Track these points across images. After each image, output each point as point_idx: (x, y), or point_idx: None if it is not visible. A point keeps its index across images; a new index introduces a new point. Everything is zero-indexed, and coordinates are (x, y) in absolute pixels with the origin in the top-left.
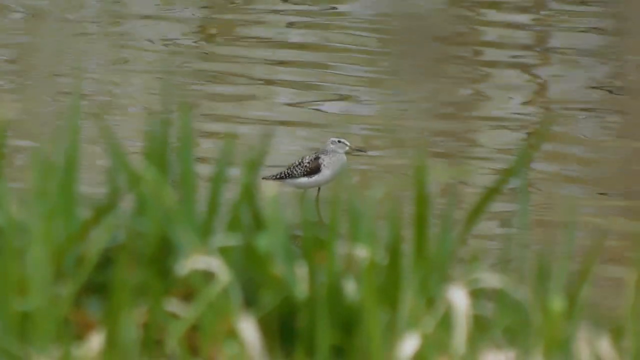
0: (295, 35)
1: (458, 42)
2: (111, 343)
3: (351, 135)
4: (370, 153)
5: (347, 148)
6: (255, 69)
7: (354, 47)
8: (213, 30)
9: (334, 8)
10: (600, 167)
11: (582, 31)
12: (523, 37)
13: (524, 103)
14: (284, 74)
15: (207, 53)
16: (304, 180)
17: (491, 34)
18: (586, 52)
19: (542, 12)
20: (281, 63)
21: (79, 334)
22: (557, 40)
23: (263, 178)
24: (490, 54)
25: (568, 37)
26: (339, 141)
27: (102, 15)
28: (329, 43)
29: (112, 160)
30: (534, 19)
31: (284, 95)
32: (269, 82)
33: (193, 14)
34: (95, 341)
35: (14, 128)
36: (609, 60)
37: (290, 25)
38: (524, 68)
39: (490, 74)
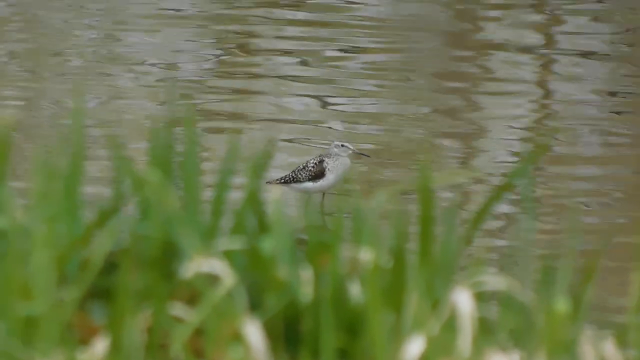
0: (304, 34)
1: (463, 44)
2: (115, 347)
3: (357, 136)
4: (375, 159)
5: (350, 152)
6: (262, 68)
7: (360, 48)
8: (220, 38)
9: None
10: (609, 170)
11: (590, 33)
12: (531, 38)
13: (531, 105)
14: (291, 70)
15: (215, 58)
16: (308, 184)
17: (498, 34)
18: (594, 55)
19: (549, 11)
20: (288, 63)
21: (83, 339)
22: (565, 41)
23: (267, 182)
24: (497, 56)
25: (576, 38)
26: (342, 145)
27: (106, 20)
28: (340, 44)
29: (116, 164)
30: (543, 20)
31: (291, 95)
32: (278, 80)
33: (200, 26)
34: (100, 346)
35: (18, 132)
36: (618, 62)
37: (301, 24)
38: (533, 69)
39: (496, 77)
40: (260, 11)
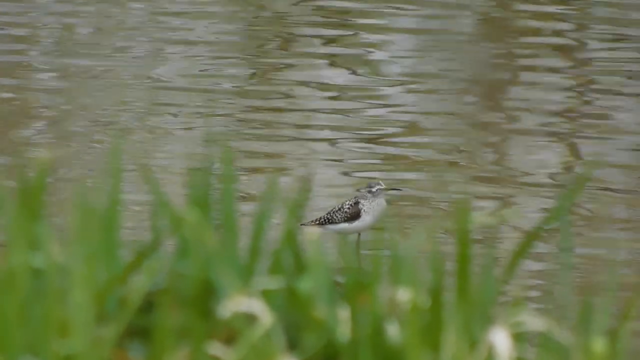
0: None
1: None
2: None
3: (389, 176)
4: (406, 192)
5: (382, 189)
6: (296, 106)
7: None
8: (253, 72)
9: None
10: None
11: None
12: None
13: (569, 146)
14: (324, 111)
15: (248, 92)
16: (344, 225)
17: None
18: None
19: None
20: (323, 100)
21: None
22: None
23: (302, 224)
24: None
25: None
26: (376, 187)
27: (140, 61)
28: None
29: (155, 203)
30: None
31: (324, 134)
32: (308, 124)
33: (233, 59)
34: None
35: (56, 170)
36: None
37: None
38: (570, 107)
39: (536, 108)
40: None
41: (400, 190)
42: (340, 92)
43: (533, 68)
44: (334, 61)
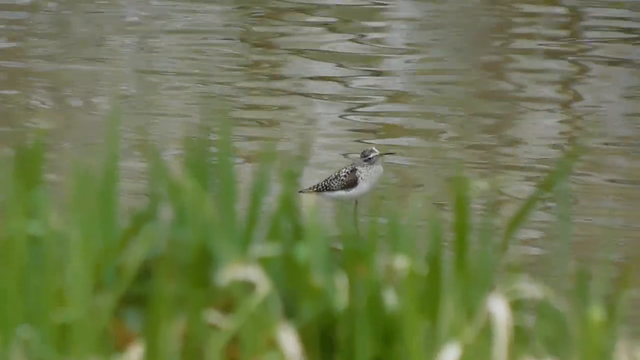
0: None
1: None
2: (150, 355)
3: (393, 146)
4: (407, 162)
5: (378, 155)
6: (295, 75)
7: (392, 49)
8: (253, 40)
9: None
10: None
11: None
12: (562, 46)
13: (565, 112)
14: (322, 80)
15: (247, 64)
16: (341, 193)
17: (529, 39)
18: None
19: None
20: (321, 72)
21: (119, 346)
22: (597, 48)
23: (300, 191)
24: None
25: (607, 46)
26: (372, 150)
27: (139, 29)
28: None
29: (152, 171)
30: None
31: (323, 103)
32: (308, 91)
33: (232, 25)
34: (135, 353)
35: (54, 138)
36: None
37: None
38: (565, 75)
39: (532, 78)
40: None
41: (394, 154)
42: (339, 60)
43: (530, 36)
44: (331, 28)
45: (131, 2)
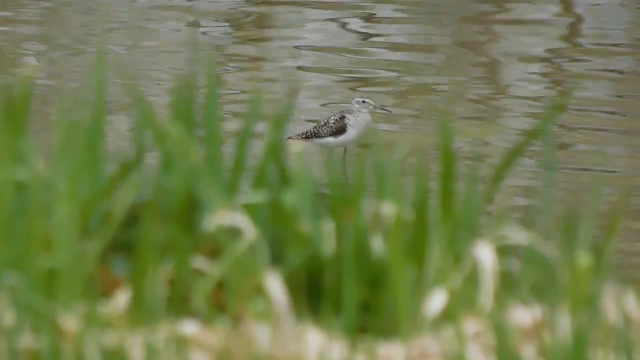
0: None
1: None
2: (137, 300)
3: (376, 94)
4: (395, 111)
5: (372, 107)
6: (283, 23)
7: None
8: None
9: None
10: (631, 123)
11: None
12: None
13: (551, 56)
14: (310, 31)
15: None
16: (330, 139)
17: None
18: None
19: None
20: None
21: (105, 292)
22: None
23: (288, 137)
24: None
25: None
26: (364, 101)
27: None
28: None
29: (138, 116)
30: None
31: (309, 54)
32: (295, 39)
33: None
34: (121, 298)
35: (40, 87)
36: None
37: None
38: (550, 24)
39: (517, 31)
40: None
41: (391, 111)
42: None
43: None
44: None
45: None
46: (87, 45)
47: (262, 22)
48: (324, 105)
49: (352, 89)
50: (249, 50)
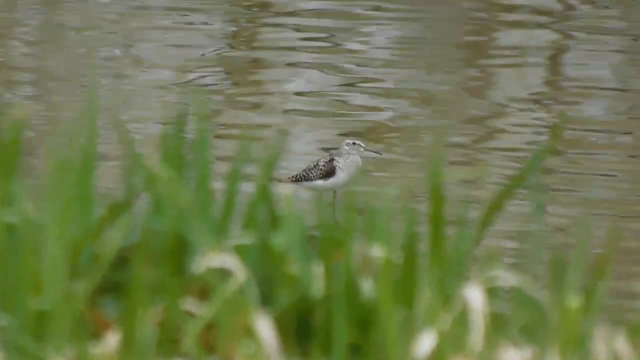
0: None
1: (470, 46)
2: (127, 342)
3: (367, 135)
4: (385, 155)
5: (362, 149)
6: (272, 68)
7: (369, 49)
8: (232, 37)
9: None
10: (618, 168)
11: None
12: (542, 39)
13: (541, 103)
14: (299, 76)
15: (226, 55)
16: (319, 182)
17: (510, 36)
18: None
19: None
20: (296, 64)
21: (95, 333)
22: (576, 47)
23: (278, 180)
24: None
25: (588, 39)
26: (354, 143)
27: (119, 21)
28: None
29: (129, 159)
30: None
31: (299, 99)
32: (286, 81)
33: (210, 23)
34: (112, 340)
35: (31, 128)
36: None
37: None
38: (541, 69)
39: (506, 76)
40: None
41: (381, 154)
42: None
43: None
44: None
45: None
46: (78, 87)
47: (253, 66)
48: (316, 147)
49: (343, 131)
50: (241, 93)
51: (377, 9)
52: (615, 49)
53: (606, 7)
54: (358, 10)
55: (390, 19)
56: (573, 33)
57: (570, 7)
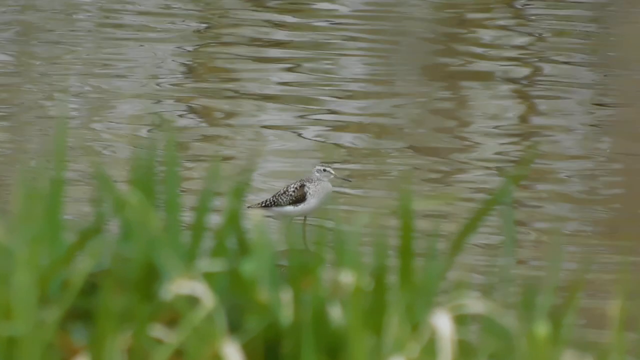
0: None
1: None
2: None
3: (337, 164)
4: (354, 181)
5: (332, 176)
6: (242, 87)
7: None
8: (201, 58)
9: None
10: (588, 197)
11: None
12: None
13: (510, 130)
14: (273, 93)
15: (194, 74)
16: (289, 208)
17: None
18: (577, 76)
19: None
20: (269, 81)
21: (65, 359)
22: (549, 66)
23: (248, 206)
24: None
25: (559, 57)
26: (325, 169)
27: (88, 39)
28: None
29: (98, 185)
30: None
31: (271, 117)
32: (258, 101)
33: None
34: None
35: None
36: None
37: (277, 27)
38: (511, 93)
39: (477, 96)
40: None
41: (351, 181)
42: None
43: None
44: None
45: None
46: (47, 111)
47: (219, 96)
48: (286, 173)
49: (314, 158)
50: (212, 126)
51: (352, 39)
52: (585, 82)
53: (577, 38)
54: (324, 40)
55: (359, 49)
56: (542, 65)
57: (541, 39)
